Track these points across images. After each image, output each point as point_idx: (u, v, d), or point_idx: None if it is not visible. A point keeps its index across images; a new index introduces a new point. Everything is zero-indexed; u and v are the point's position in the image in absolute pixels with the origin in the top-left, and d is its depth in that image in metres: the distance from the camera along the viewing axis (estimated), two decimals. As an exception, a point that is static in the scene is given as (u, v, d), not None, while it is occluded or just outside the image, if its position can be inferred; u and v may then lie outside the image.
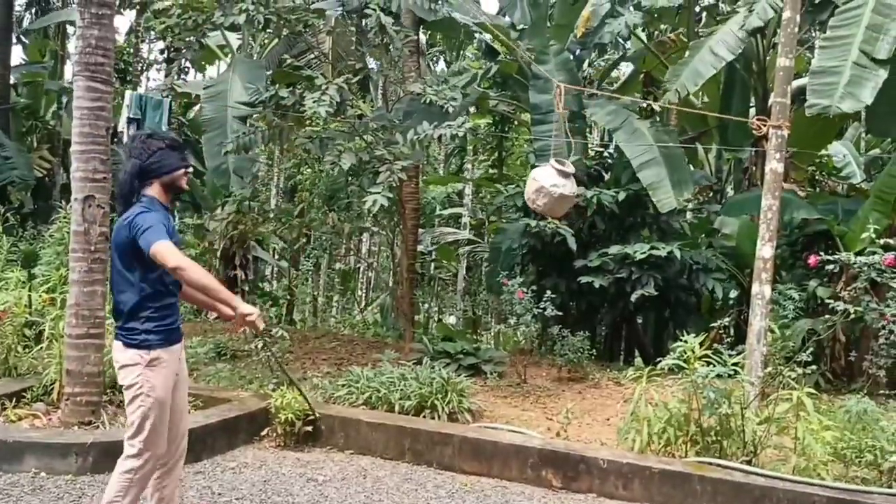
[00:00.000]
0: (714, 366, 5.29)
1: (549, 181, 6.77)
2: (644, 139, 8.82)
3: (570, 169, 6.94)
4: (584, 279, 8.80)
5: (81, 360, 5.61)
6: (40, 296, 7.21)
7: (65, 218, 7.31)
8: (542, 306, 7.74)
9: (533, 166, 8.65)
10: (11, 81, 15.16)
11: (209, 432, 5.55)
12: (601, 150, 10.87)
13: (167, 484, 3.89)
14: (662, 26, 12.87)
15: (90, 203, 5.58)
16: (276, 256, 16.10)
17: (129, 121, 10.12)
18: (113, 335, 3.77)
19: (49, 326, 6.58)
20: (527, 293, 7.84)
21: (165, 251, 3.37)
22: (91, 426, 5.55)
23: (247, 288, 11.91)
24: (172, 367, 3.68)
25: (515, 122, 12.90)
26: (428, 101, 7.34)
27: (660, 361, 5.74)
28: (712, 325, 6.06)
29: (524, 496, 5.09)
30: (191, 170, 3.76)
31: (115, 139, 10.17)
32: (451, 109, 7.28)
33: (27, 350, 6.69)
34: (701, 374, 5.24)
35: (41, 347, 6.59)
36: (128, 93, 10.61)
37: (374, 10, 7.27)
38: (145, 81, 21.32)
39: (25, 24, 19.25)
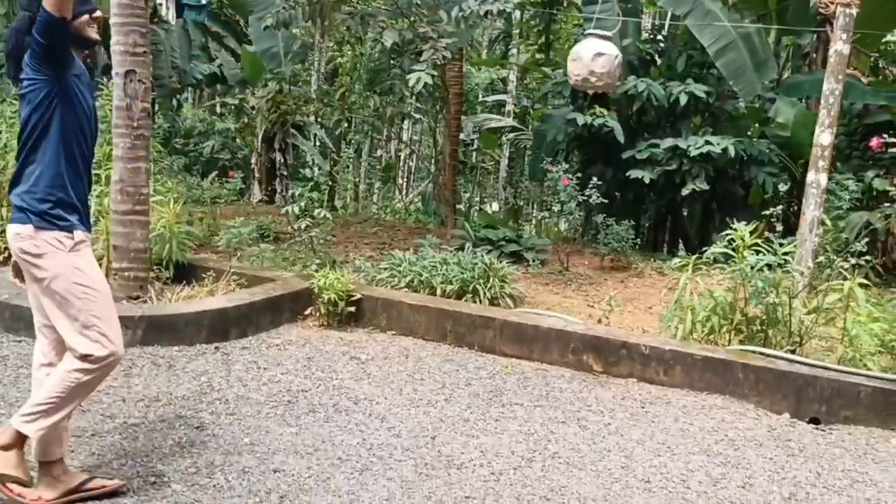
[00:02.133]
0: (763, 255, 5.17)
1: (584, 48, 6.63)
2: (718, 21, 8.29)
3: (608, 33, 6.77)
4: (633, 174, 8.58)
5: (128, 237, 5.68)
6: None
7: (106, 96, 7.24)
8: (586, 194, 7.60)
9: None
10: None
11: (254, 310, 5.63)
12: (654, 34, 10.41)
13: None
14: None
15: (131, 78, 5.52)
16: (317, 144, 16.02)
17: (167, -6, 9.90)
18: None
19: (95, 203, 6.63)
20: (571, 180, 7.69)
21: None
22: (139, 300, 5.67)
23: (286, 172, 11.92)
24: None
25: (565, 3, 12.38)
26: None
27: (705, 251, 5.62)
28: (763, 213, 5.88)
29: (564, 379, 5.11)
30: (98, 14, 3.10)
31: (156, 16, 9.98)
32: None
33: (74, 226, 6.77)
34: (750, 262, 5.13)
35: (88, 224, 6.67)
36: (165, -39, 10.34)
37: None
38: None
39: None
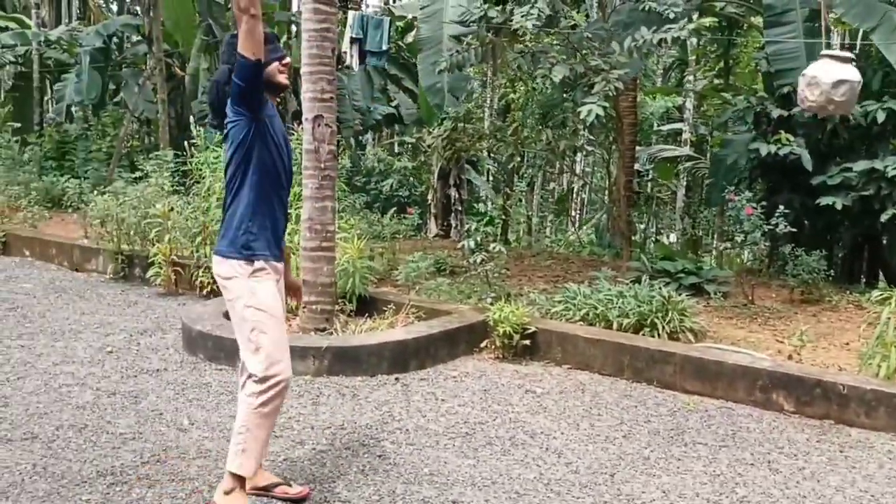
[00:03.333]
0: (982, 287, 4.67)
1: (820, 70, 6.00)
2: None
3: (847, 54, 6.19)
4: (823, 200, 8.05)
5: (315, 272, 6.02)
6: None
7: (297, 140, 7.77)
8: (772, 223, 7.21)
9: (767, 73, 7.93)
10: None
11: (432, 342, 5.77)
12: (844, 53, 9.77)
13: None
14: None
15: (319, 122, 5.88)
16: (490, 179, 16.28)
17: (352, 41, 10.48)
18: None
19: (286, 240, 7.09)
20: (756, 209, 7.33)
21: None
22: (325, 332, 5.98)
23: (461, 207, 12.20)
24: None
25: (744, 27, 11.91)
26: (647, 8, 6.90)
27: (912, 283, 5.16)
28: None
29: (752, 418, 4.84)
30: (287, 61, 3.34)
31: (340, 63, 10.63)
32: (672, 15, 6.81)
33: (268, 262, 7.27)
34: (965, 296, 4.65)
35: (280, 260, 7.13)
36: (350, 13, 10.97)
37: None
38: (364, 7, 21.95)
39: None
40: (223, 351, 5.54)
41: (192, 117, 11.97)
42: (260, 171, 3.23)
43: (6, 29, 16.60)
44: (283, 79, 3.32)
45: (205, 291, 7.51)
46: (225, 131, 3.26)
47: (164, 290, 7.87)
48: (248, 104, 3.17)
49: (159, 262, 7.77)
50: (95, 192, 10.07)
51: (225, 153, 3.30)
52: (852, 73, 5.99)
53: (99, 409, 4.57)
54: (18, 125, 15.27)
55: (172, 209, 8.15)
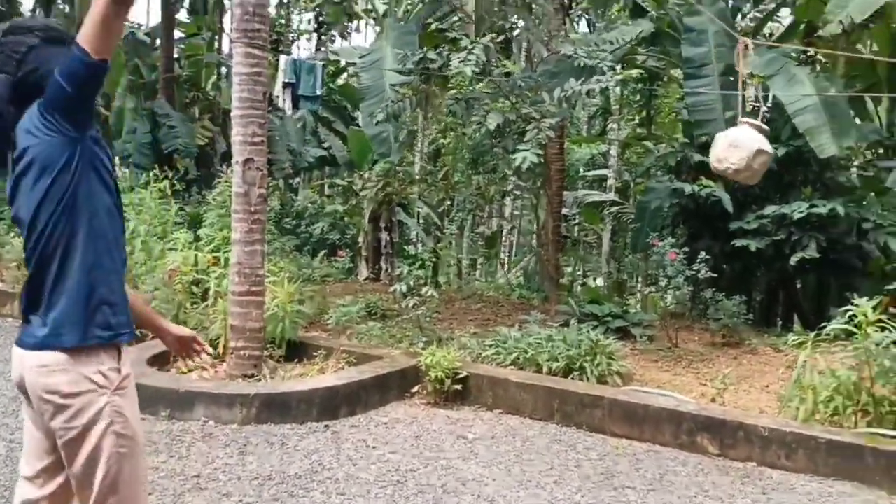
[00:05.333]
0: (890, 331, 4.91)
1: (745, 135, 6.26)
2: (803, 87, 8.20)
3: (765, 127, 6.48)
4: (739, 242, 8.39)
5: (244, 316, 5.92)
6: (205, 256, 7.65)
7: (226, 182, 7.69)
8: (694, 268, 7.45)
9: (688, 122, 8.25)
10: (174, 55, 16.06)
11: (363, 388, 5.72)
12: (757, 104, 10.25)
13: None
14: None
15: (250, 166, 5.84)
16: (420, 221, 16.37)
17: (284, 85, 10.49)
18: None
19: (214, 284, 6.98)
20: (678, 254, 7.56)
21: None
22: (253, 379, 5.86)
23: (391, 250, 12.20)
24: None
25: (665, 79, 12.40)
26: (581, 64, 7.11)
27: (824, 327, 5.39)
28: (887, 287, 5.60)
29: (678, 461, 4.93)
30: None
31: (271, 105, 10.60)
32: (605, 69, 7.05)
33: (195, 306, 7.13)
34: (875, 339, 4.88)
35: (207, 304, 7.00)
36: (283, 58, 11.01)
37: None
38: (296, 51, 22.02)
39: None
40: (145, 399, 5.33)
41: (115, 157, 11.71)
42: (95, 211, 2.24)
43: None
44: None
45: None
46: (21, 166, 2.21)
47: (83, 336, 7.60)
48: (74, 117, 2.17)
49: (79, 307, 7.50)
50: (11, 233, 9.71)
51: (20, 199, 2.25)
52: (768, 145, 6.30)
53: (12, 463, 4.36)
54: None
55: (94, 251, 7.92)
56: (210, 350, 2.74)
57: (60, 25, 2.51)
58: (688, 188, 8.65)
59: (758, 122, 6.34)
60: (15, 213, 2.29)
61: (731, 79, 9.00)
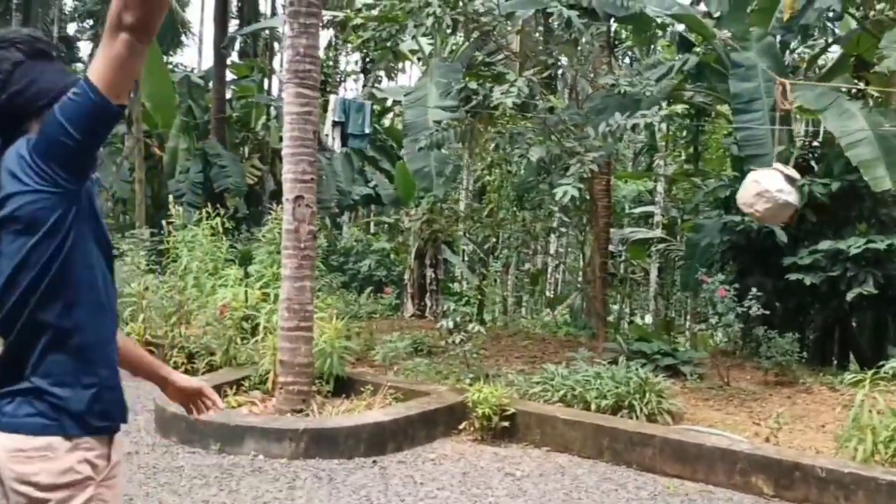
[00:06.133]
0: (953, 370, 4.75)
1: (774, 185, 6.29)
2: (855, 121, 8.08)
3: (796, 175, 6.46)
4: (793, 276, 8.23)
5: (293, 352, 5.97)
6: (255, 292, 7.78)
7: (275, 219, 7.83)
8: (746, 305, 7.32)
9: (738, 157, 8.19)
10: (226, 96, 16.51)
11: (410, 423, 5.72)
12: (810, 139, 10.15)
13: None
14: (879, 5, 11.76)
15: (299, 203, 5.94)
16: (465, 259, 16.42)
17: (334, 124, 10.69)
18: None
19: (264, 320, 7.08)
20: (728, 291, 7.44)
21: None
22: (302, 413, 5.90)
23: (436, 287, 12.23)
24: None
25: (712, 115, 12.34)
26: (623, 92, 7.14)
27: (882, 365, 5.24)
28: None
29: (732, 502, 4.81)
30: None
31: (318, 145, 10.82)
32: (647, 94, 7.04)
33: (244, 342, 7.23)
34: (937, 378, 4.73)
35: (257, 340, 7.09)
36: (333, 97, 11.24)
37: (557, 5, 7.20)
38: (342, 91, 22.48)
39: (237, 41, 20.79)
40: (197, 433, 5.44)
41: (170, 196, 12.02)
42: (91, 274, 1.84)
43: None
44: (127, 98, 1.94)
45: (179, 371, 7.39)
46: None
47: (136, 370, 7.73)
48: (75, 168, 1.77)
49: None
50: None
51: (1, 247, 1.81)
52: (797, 197, 6.31)
53: None
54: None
55: (147, 288, 8.10)
56: (221, 405, 2.34)
57: (45, 36, 2.06)
58: (737, 219, 8.52)
59: (789, 170, 6.32)
60: None
61: (781, 114, 8.94)
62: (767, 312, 7.75)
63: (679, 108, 7.54)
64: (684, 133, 14.18)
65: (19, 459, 1.75)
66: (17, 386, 1.79)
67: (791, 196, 6.22)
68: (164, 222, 9.15)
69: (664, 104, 7.48)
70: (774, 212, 6.29)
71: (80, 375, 1.80)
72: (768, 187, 6.24)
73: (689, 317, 15.55)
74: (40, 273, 1.76)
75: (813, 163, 9.36)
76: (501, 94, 6.82)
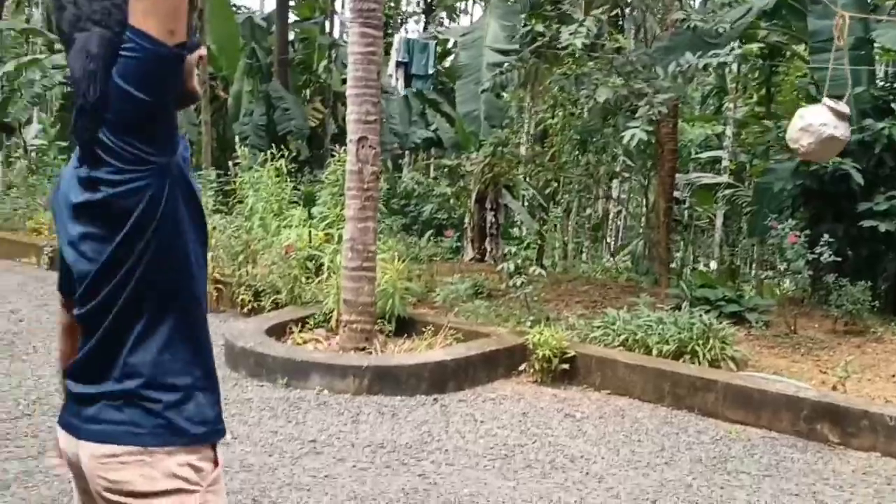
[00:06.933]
0: None
1: (818, 119, 6.10)
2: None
3: (846, 110, 6.21)
4: (866, 223, 7.95)
5: (356, 291, 6.06)
6: (318, 233, 7.88)
7: (338, 161, 7.87)
8: (816, 252, 7.11)
9: (814, 98, 7.87)
10: (289, 38, 16.49)
11: (470, 364, 5.78)
12: (891, 80, 9.68)
13: None
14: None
15: (363, 144, 5.95)
16: (525, 204, 16.29)
17: (398, 64, 10.57)
18: None
19: (328, 260, 7.19)
20: (799, 237, 7.23)
21: None
22: (364, 351, 6.01)
23: (496, 232, 12.20)
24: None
25: (787, 54, 11.85)
26: (693, 27, 6.89)
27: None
28: None
29: (796, 449, 4.76)
30: (204, 52, 1.72)
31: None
32: (721, 31, 6.78)
33: (309, 281, 7.36)
34: None
35: (321, 279, 7.22)
36: (396, 36, 11.12)
37: None
38: (403, 32, 22.28)
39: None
40: (265, 367, 5.60)
41: (236, 138, 12.18)
42: (187, 263, 1.63)
43: (58, 51, 17.06)
44: (197, 83, 1.70)
45: (245, 309, 7.59)
46: (90, 176, 1.53)
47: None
48: (157, 135, 1.52)
49: (202, 280, 7.85)
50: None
51: (91, 233, 1.58)
52: (844, 132, 6.07)
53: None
54: (65, 144, 15.64)
55: (215, 228, 8.27)
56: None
57: None
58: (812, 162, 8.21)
59: (839, 105, 6.06)
60: (70, 257, 1.62)
61: (862, 53, 8.53)
62: (839, 260, 7.53)
63: (754, 47, 7.23)
64: (757, 74, 13.66)
65: (110, 466, 1.56)
66: (98, 383, 1.61)
67: (837, 130, 6.00)
68: (230, 164, 9.28)
69: (735, 43, 7.21)
70: (819, 146, 6.08)
71: (170, 378, 1.60)
72: (812, 121, 6.05)
73: (754, 264, 15.22)
74: (135, 263, 1.55)
75: (894, 105, 8.94)
76: (570, 34, 6.65)
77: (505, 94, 12.93)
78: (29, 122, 18.53)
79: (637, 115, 6.58)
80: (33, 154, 13.97)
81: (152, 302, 1.58)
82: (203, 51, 1.70)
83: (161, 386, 1.58)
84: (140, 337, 1.58)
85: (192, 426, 1.60)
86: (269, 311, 7.20)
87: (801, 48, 10.57)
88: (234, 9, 16.83)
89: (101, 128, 1.49)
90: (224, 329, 6.57)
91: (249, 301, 7.58)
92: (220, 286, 7.97)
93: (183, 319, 1.62)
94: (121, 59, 1.46)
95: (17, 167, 12.56)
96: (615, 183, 16.98)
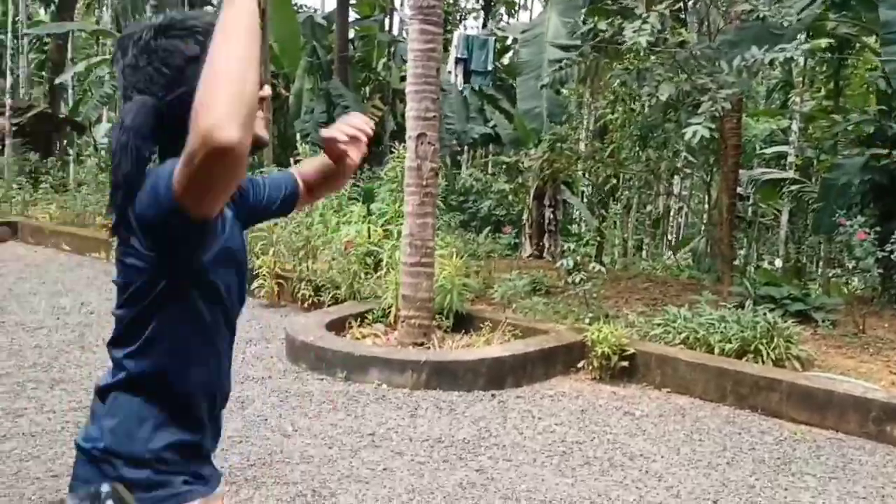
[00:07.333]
0: None
1: None
2: None
3: None
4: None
5: (415, 287, 6.11)
6: (377, 229, 7.97)
7: (397, 158, 7.94)
8: (887, 249, 6.90)
9: (884, 92, 7.63)
10: (349, 36, 16.68)
11: (529, 360, 5.77)
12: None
13: None
14: None
15: (422, 140, 5.99)
16: (585, 200, 16.16)
17: (457, 61, 10.58)
18: None
19: (386, 255, 7.27)
20: (868, 234, 7.03)
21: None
22: (422, 346, 6.05)
23: (555, 228, 12.14)
24: None
25: (857, 46, 11.48)
26: (761, 17, 6.72)
27: None
28: None
29: (864, 451, 4.63)
30: (268, 91, 1.59)
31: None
32: (786, 23, 6.59)
33: (368, 276, 7.45)
34: None
35: (380, 275, 7.29)
36: (456, 33, 11.13)
37: None
38: (462, 29, 22.32)
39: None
40: (324, 361, 5.69)
41: (297, 135, 12.37)
42: (186, 336, 1.50)
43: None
44: (262, 130, 1.53)
45: (306, 304, 7.71)
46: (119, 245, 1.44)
47: (267, 302, 8.12)
48: (169, 249, 1.39)
49: (263, 275, 8.03)
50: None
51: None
52: None
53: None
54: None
55: (276, 224, 8.42)
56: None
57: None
58: (883, 152, 7.95)
59: None
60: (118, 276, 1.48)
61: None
62: (911, 258, 7.29)
63: (822, 42, 7.02)
64: (825, 67, 13.28)
65: None
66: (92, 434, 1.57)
67: None
68: (291, 161, 9.43)
69: (802, 36, 7.02)
70: None
71: (144, 449, 1.49)
72: None
73: (821, 262, 14.81)
74: (136, 313, 1.46)
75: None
76: (633, 32, 6.56)
77: (564, 90, 12.85)
78: (99, 120, 19.17)
79: (700, 111, 6.46)
80: (103, 152, 14.43)
81: (150, 344, 1.49)
82: (267, 91, 1.57)
83: (141, 459, 1.50)
84: (132, 373, 1.57)
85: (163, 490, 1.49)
86: (328, 305, 7.31)
87: (871, 40, 10.25)
88: (295, 8, 17.05)
89: (131, 206, 1.37)
90: (285, 323, 6.70)
91: (310, 296, 7.70)
92: (281, 281, 8.12)
93: (185, 374, 1.52)
94: (150, 191, 1.34)
95: (87, 165, 12.99)
96: (676, 179, 16.71)
